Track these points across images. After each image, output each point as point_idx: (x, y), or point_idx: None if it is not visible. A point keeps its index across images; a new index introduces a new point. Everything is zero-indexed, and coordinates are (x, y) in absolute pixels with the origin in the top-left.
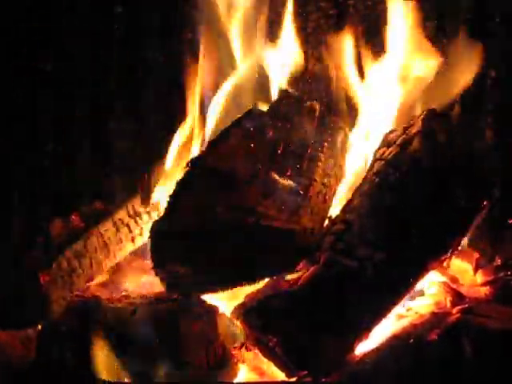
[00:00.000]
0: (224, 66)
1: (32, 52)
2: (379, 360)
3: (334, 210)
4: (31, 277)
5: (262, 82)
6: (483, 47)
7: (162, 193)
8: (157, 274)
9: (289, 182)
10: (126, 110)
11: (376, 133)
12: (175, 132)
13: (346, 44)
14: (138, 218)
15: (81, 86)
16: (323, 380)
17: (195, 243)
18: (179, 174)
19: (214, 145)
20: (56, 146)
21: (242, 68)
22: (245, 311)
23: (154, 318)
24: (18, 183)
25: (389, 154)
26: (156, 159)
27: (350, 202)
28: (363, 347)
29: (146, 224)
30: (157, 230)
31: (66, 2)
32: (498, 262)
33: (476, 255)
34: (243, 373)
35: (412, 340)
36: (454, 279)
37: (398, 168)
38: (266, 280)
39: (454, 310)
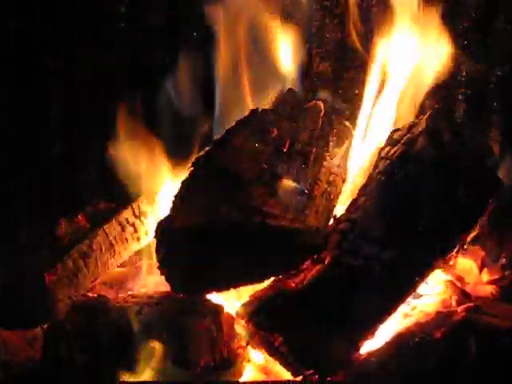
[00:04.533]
0: (230, 65)
1: (34, 51)
2: (384, 359)
3: (340, 209)
4: (37, 277)
5: (266, 80)
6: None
7: (168, 192)
8: (162, 274)
9: (294, 182)
10: (130, 110)
11: (381, 131)
12: (180, 131)
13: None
14: (143, 218)
15: (84, 86)
16: (329, 379)
17: (201, 243)
18: (185, 174)
19: (220, 144)
20: (61, 145)
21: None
22: (250, 310)
23: (159, 317)
24: (23, 183)
25: (394, 153)
26: (161, 159)
27: (355, 200)
28: (369, 346)
29: (151, 224)
30: (162, 230)
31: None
32: (504, 260)
33: (482, 254)
34: (249, 372)
35: (417, 339)
36: (460, 278)
37: (403, 167)
38: (272, 279)
39: (460, 309)
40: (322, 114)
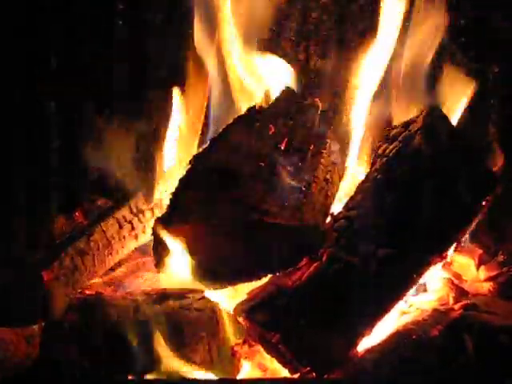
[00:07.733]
0: (224, 63)
1: (32, 49)
2: (382, 356)
3: (337, 207)
4: (34, 274)
5: (262, 78)
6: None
7: (165, 190)
8: (159, 272)
9: (291, 179)
10: (127, 107)
11: (378, 129)
12: (177, 129)
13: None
14: (140, 216)
15: (81, 83)
16: (326, 376)
17: (198, 240)
18: (182, 172)
19: (217, 142)
20: (58, 142)
21: (243, 64)
22: (248, 308)
23: (156, 315)
24: (21, 180)
25: (391, 151)
26: (159, 157)
27: (352, 198)
28: (366, 343)
29: (148, 221)
30: (160, 228)
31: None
32: (501, 257)
33: (479, 251)
34: (246, 369)
35: (414, 336)
36: (457, 275)
37: (399, 164)
38: (269, 276)
39: (457, 306)
40: (319, 111)
